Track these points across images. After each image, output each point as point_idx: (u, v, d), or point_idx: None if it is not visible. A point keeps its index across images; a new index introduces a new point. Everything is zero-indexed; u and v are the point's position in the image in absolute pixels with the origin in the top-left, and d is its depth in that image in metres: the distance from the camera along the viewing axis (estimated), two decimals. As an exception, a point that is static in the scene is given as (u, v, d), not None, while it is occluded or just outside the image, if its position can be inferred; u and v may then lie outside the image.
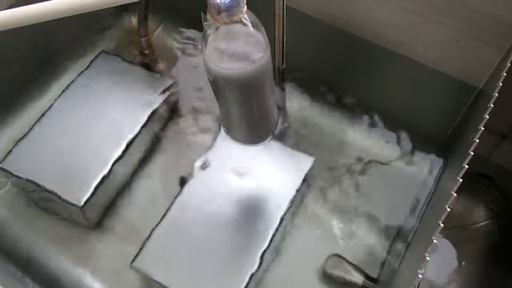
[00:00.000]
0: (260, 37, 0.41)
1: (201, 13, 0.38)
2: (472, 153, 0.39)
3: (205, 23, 0.38)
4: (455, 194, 0.37)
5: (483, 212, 0.60)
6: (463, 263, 0.57)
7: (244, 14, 0.38)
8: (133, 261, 0.53)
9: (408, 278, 0.40)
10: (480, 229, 0.59)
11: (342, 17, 0.63)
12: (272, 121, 0.50)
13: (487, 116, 0.41)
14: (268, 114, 0.48)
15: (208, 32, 0.39)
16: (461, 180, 0.38)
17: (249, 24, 0.39)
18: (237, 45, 0.41)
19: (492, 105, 0.42)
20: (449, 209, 0.36)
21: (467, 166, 0.38)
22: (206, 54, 0.41)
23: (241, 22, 0.38)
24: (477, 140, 0.40)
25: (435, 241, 0.35)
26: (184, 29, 0.76)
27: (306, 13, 0.65)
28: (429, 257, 0.34)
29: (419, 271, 0.34)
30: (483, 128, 0.41)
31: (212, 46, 0.41)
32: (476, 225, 0.59)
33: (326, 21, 0.64)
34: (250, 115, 0.47)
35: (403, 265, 0.51)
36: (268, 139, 0.51)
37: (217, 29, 0.39)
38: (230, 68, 0.41)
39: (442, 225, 0.35)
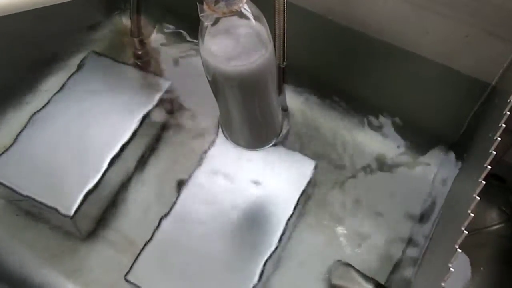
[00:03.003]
0: (263, 30, 0.38)
1: (197, 4, 0.35)
2: (494, 152, 0.36)
3: (202, 15, 0.35)
4: (478, 198, 0.34)
5: (495, 215, 0.58)
6: (482, 268, 0.55)
7: (244, 4, 0.35)
8: (127, 273, 0.52)
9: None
10: (493, 232, 0.58)
11: (345, 12, 0.61)
12: (276, 124, 0.48)
13: (508, 113, 0.39)
14: (271, 116, 0.46)
15: (205, 24, 0.36)
16: (483, 182, 0.35)
17: (250, 16, 0.36)
18: (237, 40, 0.38)
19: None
20: (472, 215, 0.34)
21: (489, 167, 0.36)
22: (203, 50, 0.39)
23: (241, 12, 0.35)
24: (499, 138, 0.38)
25: (459, 250, 0.32)
26: (180, 28, 0.75)
27: (306, 8, 0.63)
28: (453, 268, 0.31)
29: (442, 284, 0.31)
30: (504, 125, 0.39)
31: (209, 41, 0.38)
32: (489, 229, 0.58)
33: (327, 17, 0.63)
34: (252, 117, 0.45)
35: (421, 275, 0.49)
36: (271, 144, 0.49)
37: (214, 21, 0.36)
38: (230, 65, 0.38)
39: (466, 232, 0.33)
